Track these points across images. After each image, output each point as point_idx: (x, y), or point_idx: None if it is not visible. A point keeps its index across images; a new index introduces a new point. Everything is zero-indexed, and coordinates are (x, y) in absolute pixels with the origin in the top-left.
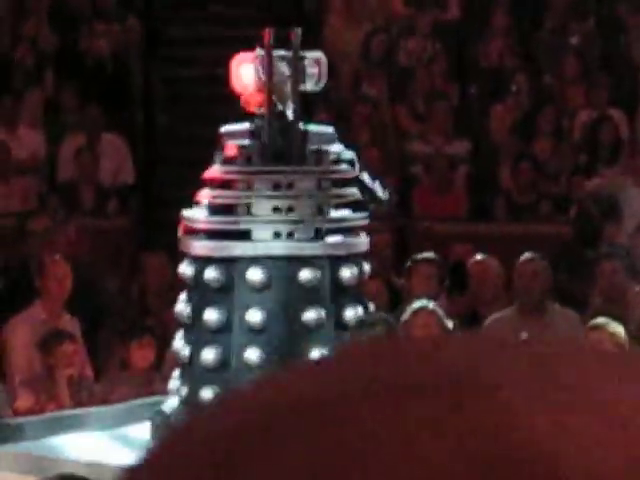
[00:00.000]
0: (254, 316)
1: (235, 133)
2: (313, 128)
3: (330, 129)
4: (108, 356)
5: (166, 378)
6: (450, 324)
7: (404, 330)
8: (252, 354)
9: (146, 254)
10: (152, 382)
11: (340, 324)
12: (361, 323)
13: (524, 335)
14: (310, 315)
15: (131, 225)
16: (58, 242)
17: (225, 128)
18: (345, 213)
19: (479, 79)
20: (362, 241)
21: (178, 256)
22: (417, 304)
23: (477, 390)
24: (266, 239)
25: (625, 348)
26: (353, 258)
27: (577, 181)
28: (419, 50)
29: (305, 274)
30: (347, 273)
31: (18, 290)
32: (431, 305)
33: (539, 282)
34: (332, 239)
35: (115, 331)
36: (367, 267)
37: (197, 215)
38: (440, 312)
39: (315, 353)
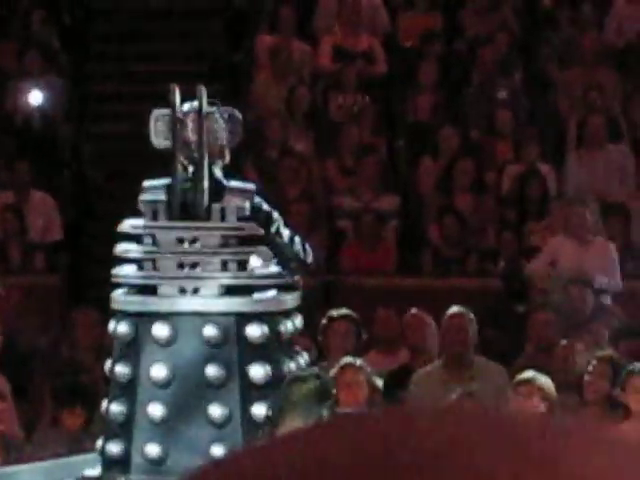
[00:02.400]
0: (159, 371)
1: (152, 188)
2: (233, 184)
3: (250, 185)
4: (38, 415)
5: (95, 435)
6: (379, 381)
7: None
8: (156, 410)
9: (76, 310)
10: (83, 440)
11: (246, 382)
12: (295, 377)
13: (452, 390)
14: (212, 371)
15: (60, 282)
16: None
17: (145, 183)
18: (251, 270)
19: (407, 133)
20: (271, 298)
21: (109, 312)
22: (344, 361)
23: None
24: (172, 295)
25: (553, 401)
26: (264, 315)
27: (505, 235)
28: (347, 104)
29: (209, 331)
30: (255, 331)
31: None
32: (358, 362)
33: (465, 336)
34: (239, 297)
35: (45, 390)
36: (288, 324)
37: (116, 270)
38: (367, 369)
39: (215, 410)
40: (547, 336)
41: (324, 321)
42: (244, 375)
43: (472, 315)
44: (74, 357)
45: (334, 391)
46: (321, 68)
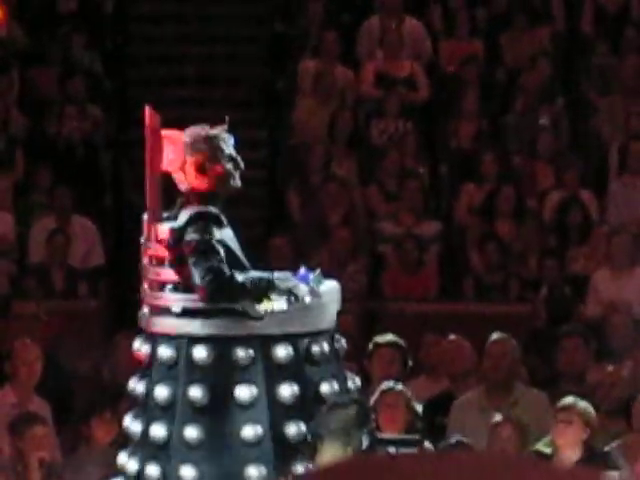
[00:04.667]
0: (196, 393)
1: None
2: None
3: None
4: (75, 437)
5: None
6: (418, 407)
7: (374, 411)
8: (192, 432)
9: (118, 335)
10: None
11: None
12: (334, 404)
13: (494, 416)
14: (242, 392)
15: (102, 307)
16: (31, 325)
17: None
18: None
19: (449, 159)
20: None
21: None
22: (385, 385)
23: None
24: None
25: (594, 427)
26: (288, 337)
27: (547, 262)
28: (389, 130)
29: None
30: (281, 352)
31: None
32: (399, 386)
33: (507, 362)
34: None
35: (83, 413)
36: (318, 346)
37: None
38: (407, 394)
39: (247, 431)
40: (577, 362)
41: (370, 347)
42: (273, 395)
43: (514, 341)
44: (116, 381)
45: (373, 417)
46: (364, 93)
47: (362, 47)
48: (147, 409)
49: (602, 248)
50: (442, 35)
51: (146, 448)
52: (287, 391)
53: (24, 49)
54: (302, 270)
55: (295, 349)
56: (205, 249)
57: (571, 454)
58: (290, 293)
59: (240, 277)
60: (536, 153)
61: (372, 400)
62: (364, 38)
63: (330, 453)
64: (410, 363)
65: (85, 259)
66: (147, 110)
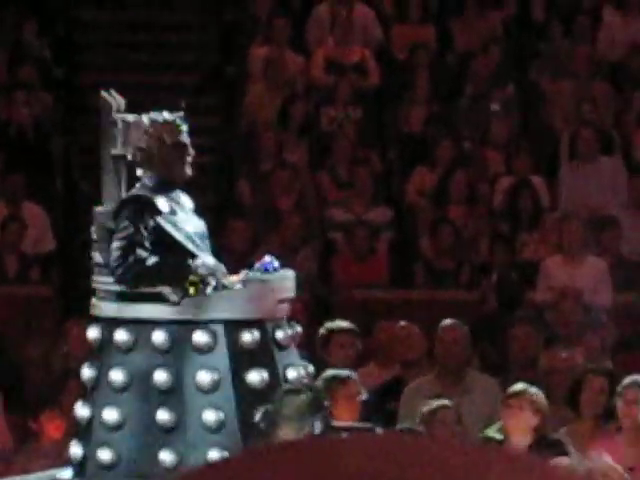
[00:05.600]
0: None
1: None
2: None
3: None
4: (25, 429)
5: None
6: (364, 394)
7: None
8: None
9: (69, 322)
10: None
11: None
12: (288, 390)
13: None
14: (204, 377)
15: (53, 293)
16: None
17: None
18: None
19: (400, 145)
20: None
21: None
22: (339, 373)
23: None
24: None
25: (545, 413)
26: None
27: (498, 247)
28: (340, 116)
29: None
30: (247, 337)
31: None
32: (353, 375)
33: (459, 348)
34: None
35: (32, 406)
36: (279, 332)
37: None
38: (357, 381)
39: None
40: (528, 349)
41: (322, 332)
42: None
43: (465, 327)
44: (66, 367)
45: (327, 403)
46: (314, 80)
47: (312, 33)
48: (97, 394)
49: (553, 234)
50: (393, 20)
51: (95, 433)
52: (255, 376)
53: None
54: (266, 258)
55: (263, 334)
56: (126, 234)
57: (521, 440)
58: (213, 279)
59: (153, 261)
60: (487, 138)
61: (323, 387)
62: (314, 24)
63: (284, 439)
64: (359, 348)
65: (36, 245)
66: (102, 95)
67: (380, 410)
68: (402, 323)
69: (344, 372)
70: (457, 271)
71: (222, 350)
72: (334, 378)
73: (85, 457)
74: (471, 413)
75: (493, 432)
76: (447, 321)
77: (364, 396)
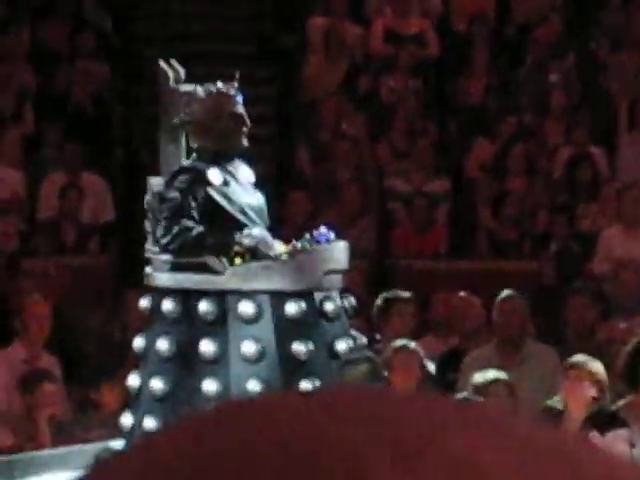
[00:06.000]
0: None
1: None
2: None
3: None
4: (84, 398)
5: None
6: (431, 365)
7: (386, 368)
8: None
9: (129, 292)
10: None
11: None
12: (345, 362)
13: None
14: (248, 347)
15: (112, 263)
16: (40, 281)
17: None
18: None
19: (459, 117)
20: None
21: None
22: (398, 343)
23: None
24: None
25: (604, 386)
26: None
27: (556, 219)
28: (399, 87)
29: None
30: (292, 308)
31: None
32: (411, 344)
33: (517, 319)
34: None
35: (92, 376)
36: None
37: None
38: (420, 352)
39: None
40: (586, 320)
41: (379, 303)
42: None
43: (524, 298)
44: (126, 337)
45: (385, 374)
46: (373, 51)
47: (371, 4)
48: (145, 364)
49: (612, 205)
50: None
51: (143, 402)
52: (300, 347)
53: (34, 4)
54: (322, 229)
55: (309, 305)
56: (174, 204)
57: (580, 412)
58: (259, 250)
59: (198, 231)
60: (546, 110)
61: (384, 357)
62: None
63: None
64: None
65: (95, 215)
66: (160, 65)
67: (440, 381)
68: (461, 294)
69: (402, 341)
70: (519, 242)
71: (268, 320)
72: (396, 348)
73: (133, 427)
74: (530, 383)
75: (554, 402)
76: (506, 292)
77: (430, 365)
